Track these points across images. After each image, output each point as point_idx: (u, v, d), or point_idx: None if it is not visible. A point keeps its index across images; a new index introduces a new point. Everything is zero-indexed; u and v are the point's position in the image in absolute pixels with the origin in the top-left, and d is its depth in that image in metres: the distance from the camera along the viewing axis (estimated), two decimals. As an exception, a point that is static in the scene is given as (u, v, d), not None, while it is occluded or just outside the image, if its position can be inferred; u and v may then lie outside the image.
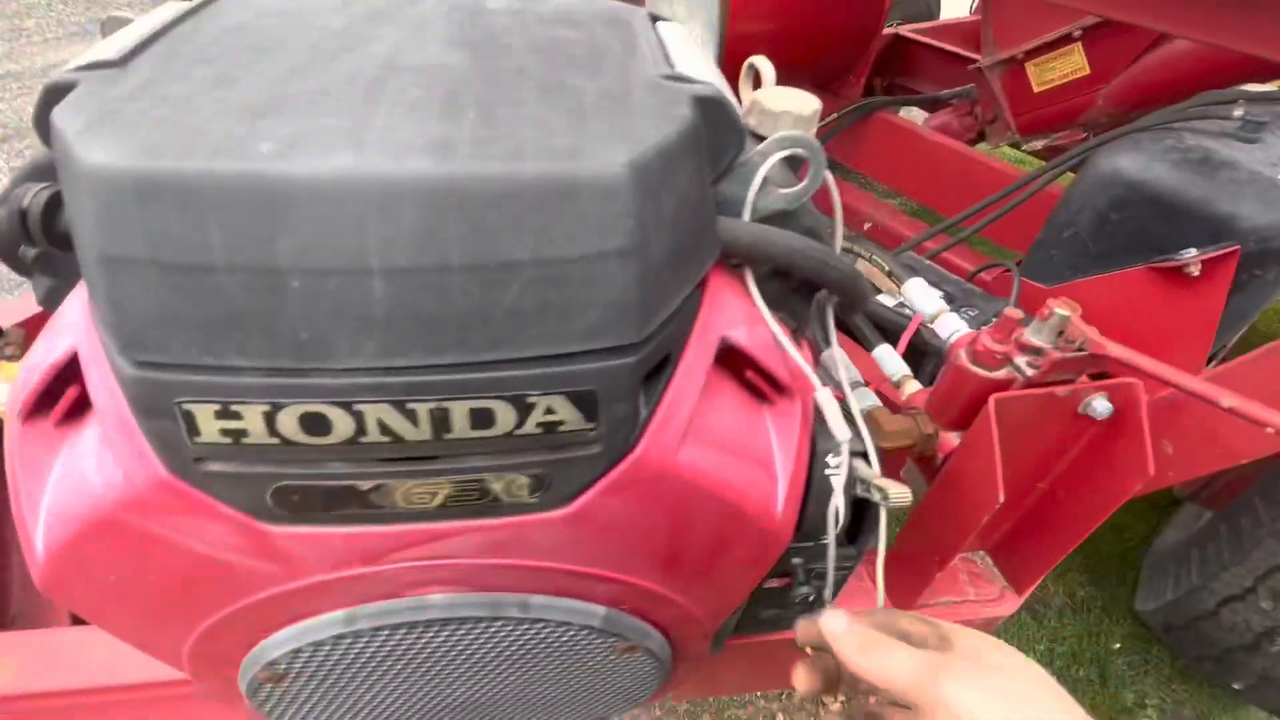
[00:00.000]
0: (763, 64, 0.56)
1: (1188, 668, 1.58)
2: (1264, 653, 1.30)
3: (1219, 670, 1.41)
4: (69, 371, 0.37)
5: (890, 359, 0.90)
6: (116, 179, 0.27)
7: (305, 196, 0.28)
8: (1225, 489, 1.42)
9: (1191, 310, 1.01)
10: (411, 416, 0.32)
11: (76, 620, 0.90)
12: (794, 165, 0.50)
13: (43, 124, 0.33)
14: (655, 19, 0.48)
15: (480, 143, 0.30)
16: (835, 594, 0.58)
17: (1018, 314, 0.62)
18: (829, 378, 0.53)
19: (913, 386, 0.83)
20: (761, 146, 0.42)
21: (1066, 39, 1.72)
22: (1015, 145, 2.05)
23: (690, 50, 0.43)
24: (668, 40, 0.44)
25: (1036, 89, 1.84)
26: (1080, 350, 0.61)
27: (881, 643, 0.39)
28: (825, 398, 0.44)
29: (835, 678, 0.45)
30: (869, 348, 0.97)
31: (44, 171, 0.38)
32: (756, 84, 0.58)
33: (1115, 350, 0.58)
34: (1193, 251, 0.98)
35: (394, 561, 0.39)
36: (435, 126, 0.31)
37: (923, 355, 1.14)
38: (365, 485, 0.34)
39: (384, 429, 0.32)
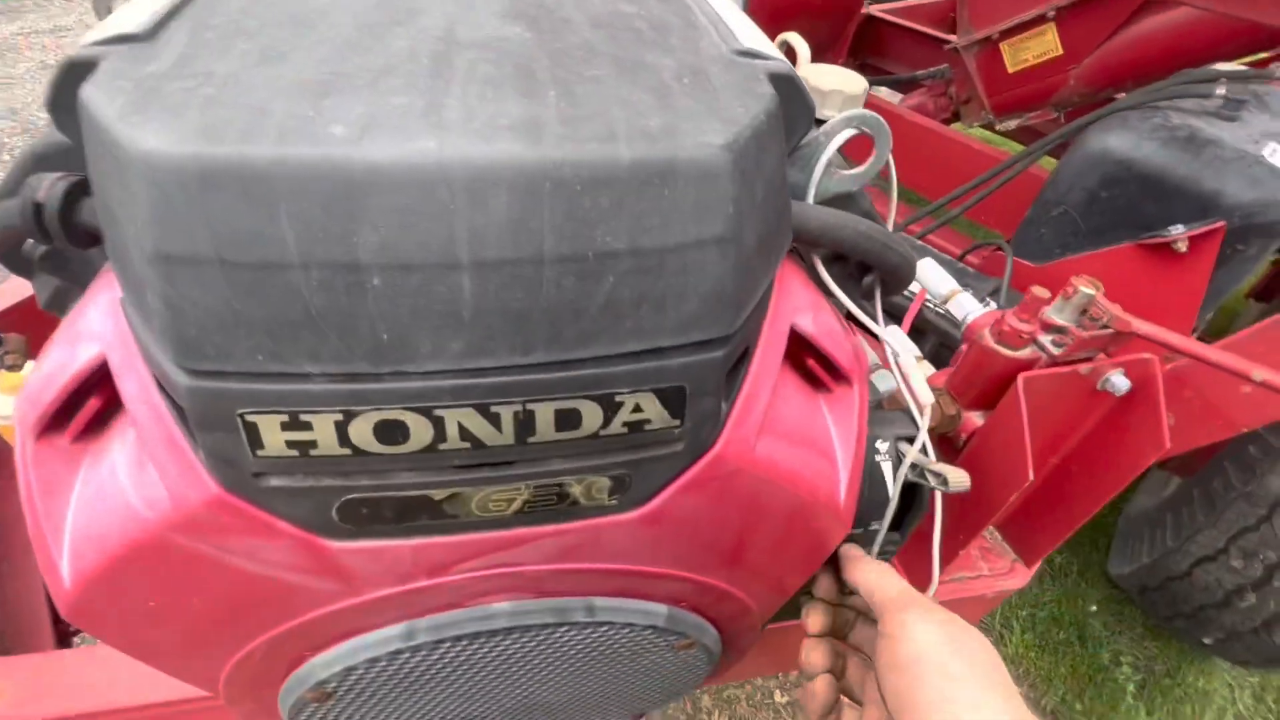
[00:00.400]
0: (797, 40, 0.55)
1: (1159, 626, 1.67)
2: (1234, 609, 1.38)
3: (1190, 627, 1.49)
4: (90, 382, 0.34)
5: (899, 340, 0.90)
6: (176, 167, 0.24)
7: (389, 184, 0.25)
8: (1194, 456, 1.48)
9: (1178, 285, 1.05)
10: (495, 420, 0.30)
11: (62, 642, 0.84)
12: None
13: (61, 105, 0.30)
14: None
15: (570, 123, 0.28)
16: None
17: (1044, 293, 0.62)
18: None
19: (925, 368, 0.83)
20: (827, 126, 0.40)
21: (1040, 19, 1.75)
22: (988, 126, 2.08)
23: (748, 23, 0.41)
24: (723, 12, 0.42)
25: (1011, 69, 1.87)
26: (1105, 327, 0.61)
27: (885, 570, 0.45)
28: (909, 362, 0.43)
29: (833, 622, 0.51)
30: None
31: (51, 159, 0.34)
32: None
33: (1142, 327, 0.59)
34: (1180, 228, 1.01)
35: (462, 572, 0.37)
36: (517, 106, 0.29)
37: (920, 334, 1.15)
38: (439, 495, 0.32)
39: (465, 434, 0.30)
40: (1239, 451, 1.28)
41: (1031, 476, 0.61)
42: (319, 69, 0.29)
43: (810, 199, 0.41)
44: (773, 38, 0.55)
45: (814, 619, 0.50)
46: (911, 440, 0.51)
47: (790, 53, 0.57)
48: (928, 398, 0.47)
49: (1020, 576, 0.86)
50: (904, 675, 0.38)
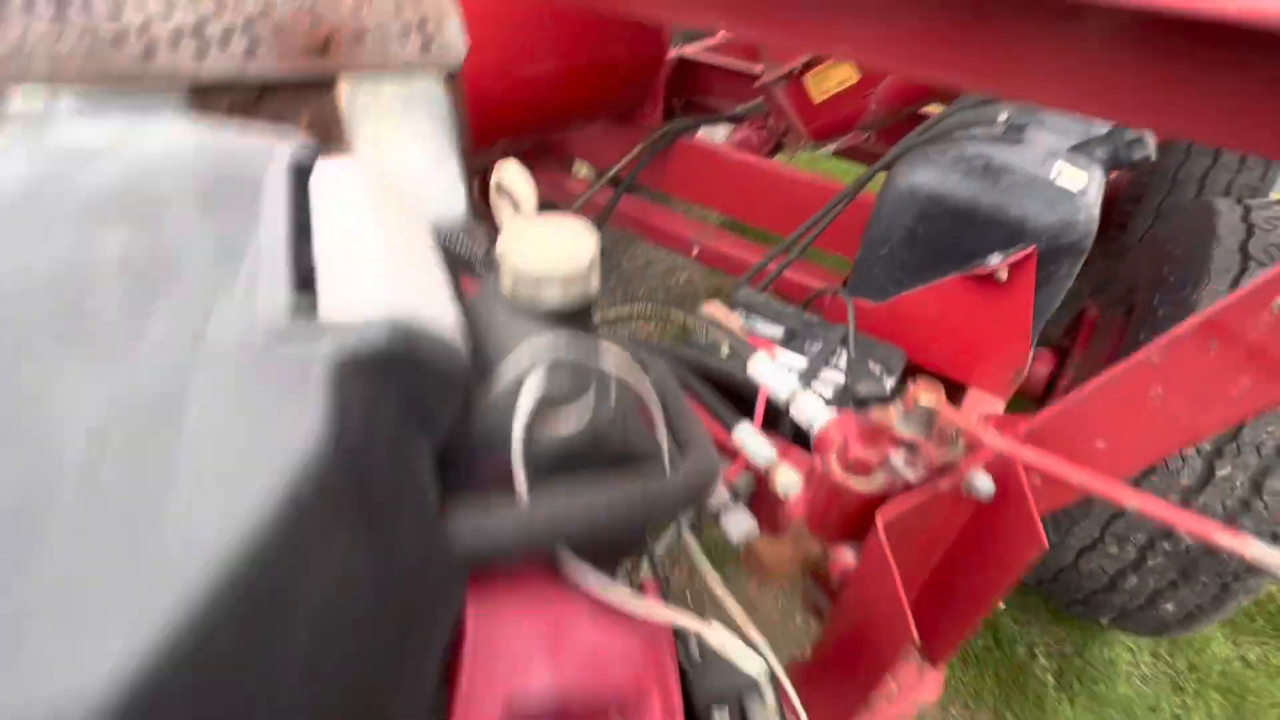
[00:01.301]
0: (516, 183, 0.40)
1: (1062, 611, 1.71)
2: (1120, 590, 1.42)
3: (1088, 610, 1.53)
4: None
5: (753, 441, 0.79)
6: None
7: None
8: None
9: (1007, 311, 1.03)
10: None
11: None
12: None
13: None
14: (309, 163, 0.30)
15: None
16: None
17: (886, 418, 0.52)
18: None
19: (787, 475, 0.72)
20: (504, 373, 0.25)
21: (832, 49, 1.79)
22: (815, 149, 2.12)
23: (373, 215, 0.25)
24: (325, 210, 0.26)
25: (816, 100, 1.90)
26: (956, 446, 0.52)
27: None
28: (718, 635, 0.29)
29: None
30: (728, 426, 0.86)
31: None
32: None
33: (995, 442, 0.50)
34: (998, 256, 1.00)
35: None
36: None
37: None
38: None
39: None
40: (1096, 445, 1.31)
41: (918, 640, 0.50)
42: None
43: (518, 472, 0.26)
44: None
45: None
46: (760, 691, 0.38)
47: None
48: (756, 666, 0.33)
49: (932, 684, 0.76)
50: None
